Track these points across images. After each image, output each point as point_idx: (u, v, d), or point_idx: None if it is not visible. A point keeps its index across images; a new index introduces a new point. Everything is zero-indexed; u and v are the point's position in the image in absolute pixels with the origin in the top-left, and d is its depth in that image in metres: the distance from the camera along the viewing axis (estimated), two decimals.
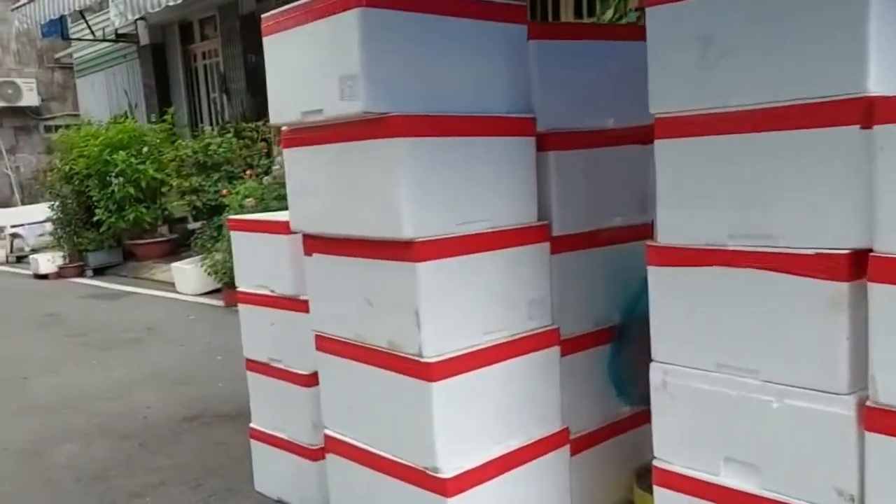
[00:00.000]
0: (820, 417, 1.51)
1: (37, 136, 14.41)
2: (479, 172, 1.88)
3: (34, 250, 10.33)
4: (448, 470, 1.81)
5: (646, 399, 2.16)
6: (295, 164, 2.06)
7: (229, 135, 8.07)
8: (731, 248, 1.62)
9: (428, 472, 1.83)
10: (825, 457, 1.51)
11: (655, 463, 1.82)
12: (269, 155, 8.06)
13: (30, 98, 14.04)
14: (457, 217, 1.83)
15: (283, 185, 6.19)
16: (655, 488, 1.83)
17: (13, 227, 11.20)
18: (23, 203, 13.10)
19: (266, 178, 6.60)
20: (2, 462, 3.53)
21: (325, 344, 2.10)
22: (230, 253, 6.26)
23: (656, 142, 1.73)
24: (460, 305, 1.84)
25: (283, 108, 2.00)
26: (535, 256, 1.98)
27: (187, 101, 11.24)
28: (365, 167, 1.80)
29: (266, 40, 2.02)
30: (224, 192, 6.98)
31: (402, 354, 1.83)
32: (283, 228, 2.54)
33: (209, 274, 6.96)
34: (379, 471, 1.96)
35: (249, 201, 6.09)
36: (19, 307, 7.54)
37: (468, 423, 1.86)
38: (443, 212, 1.80)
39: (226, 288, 6.65)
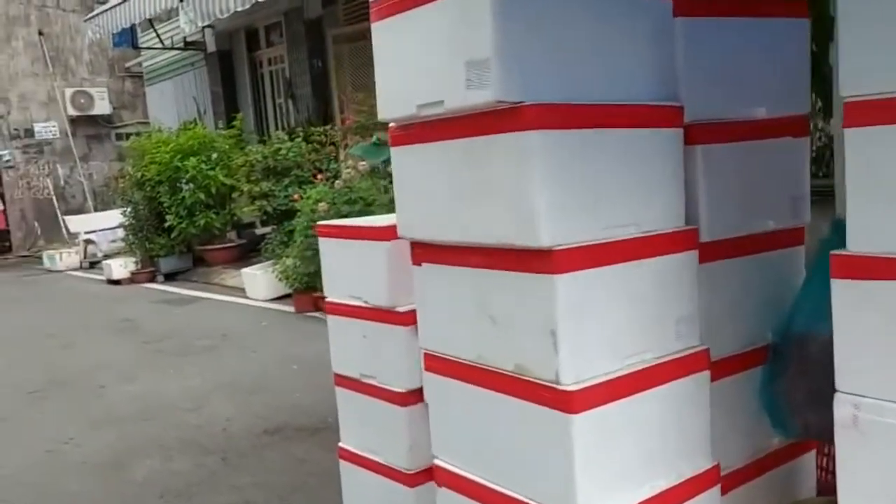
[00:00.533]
0: None
1: (108, 144, 14.72)
2: (623, 170, 1.62)
3: (107, 256, 10.48)
4: None
5: (806, 430, 1.88)
6: (405, 163, 1.83)
7: (299, 139, 7.97)
8: None
9: None
10: None
11: None
12: (336, 159, 7.95)
13: (102, 107, 14.36)
14: (599, 221, 1.57)
15: (352, 189, 6.11)
16: None
17: (87, 233, 11.39)
18: (95, 210, 13.37)
19: (337, 181, 6.46)
20: (83, 476, 3.42)
21: (437, 364, 1.87)
22: (301, 258, 6.27)
23: (848, 131, 1.44)
24: (603, 324, 1.58)
25: (395, 101, 1.77)
26: (684, 266, 1.71)
27: (253, 108, 11.31)
28: (492, 165, 1.56)
29: (375, 27, 1.80)
30: (296, 196, 6.87)
31: (533, 380, 1.59)
32: (379, 234, 2.33)
33: (280, 279, 6.86)
34: None
35: (322, 205, 5.95)
36: (94, 313, 7.59)
37: (611, 461, 1.60)
38: (584, 216, 1.55)
39: (296, 294, 6.54)
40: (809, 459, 2.17)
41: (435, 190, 1.72)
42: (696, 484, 1.74)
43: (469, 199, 1.64)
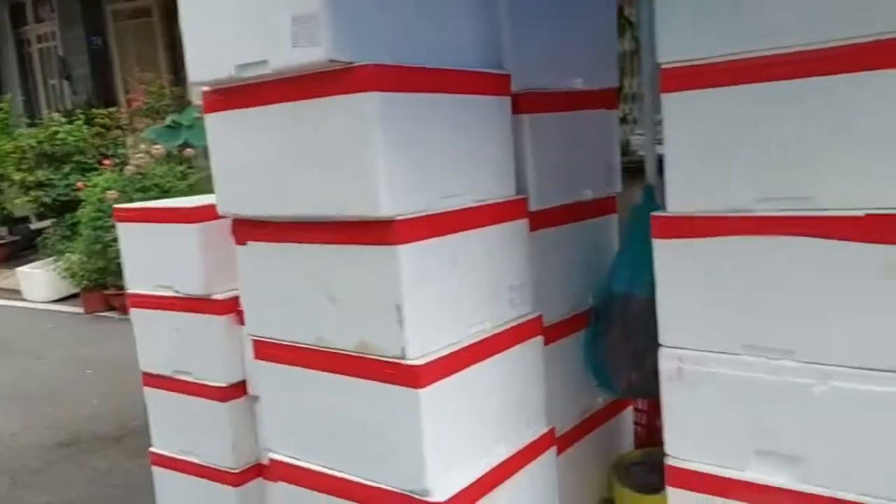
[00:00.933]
0: (873, 399, 1.35)
1: None
2: (457, 137, 1.59)
3: None
4: (439, 491, 1.52)
5: (630, 388, 1.98)
6: (223, 131, 1.67)
7: (79, 121, 7.23)
8: (761, 214, 1.43)
9: (416, 496, 1.53)
10: (879, 444, 1.36)
11: (669, 462, 1.62)
12: (125, 144, 7.33)
13: None
14: (437, 190, 1.53)
15: (146, 175, 5.65)
16: (670, 490, 1.62)
17: None
18: None
19: (127, 167, 5.94)
20: None
21: (269, 351, 1.74)
22: (89, 253, 5.71)
23: (665, 96, 1.51)
24: (444, 296, 1.55)
25: (208, 61, 1.60)
26: (516, 235, 1.72)
27: (22, 89, 10.18)
28: (325, 130, 1.46)
29: None
30: (79, 185, 6.21)
31: (378, 358, 1.52)
32: (188, 216, 2.15)
33: (63, 278, 6.21)
34: (347, 498, 1.64)
35: (111, 194, 5.44)
36: None
37: (457, 434, 1.58)
38: (423, 184, 1.50)
39: (85, 293, 5.96)
40: (627, 416, 2.30)
41: (260, 160, 1.59)
42: (535, 448, 1.77)
43: (300, 168, 1.52)
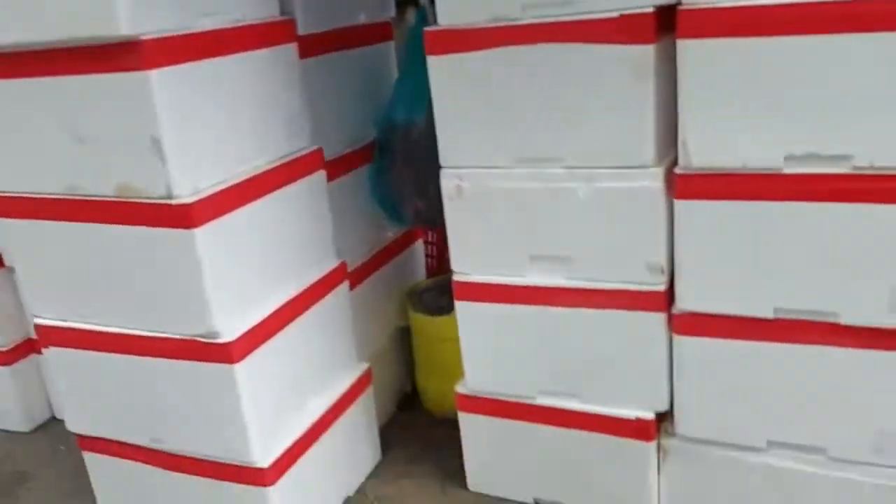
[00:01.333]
0: (628, 195, 1.46)
1: None
2: None
3: None
4: (227, 332, 1.47)
5: (417, 217, 2.00)
6: None
7: None
8: (524, 23, 1.43)
9: (203, 339, 1.47)
10: (635, 235, 1.48)
11: (456, 278, 1.68)
12: None
13: None
14: (189, 8, 1.37)
15: None
16: (458, 304, 1.70)
17: None
18: None
19: None
20: None
21: (15, 207, 1.54)
22: None
23: None
24: (208, 127, 1.43)
25: None
26: (284, 60, 1.61)
27: None
28: None
29: None
30: None
31: (142, 201, 1.39)
32: None
33: None
34: (126, 352, 1.55)
35: None
36: None
37: (239, 275, 1.51)
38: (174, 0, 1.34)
39: None
40: (418, 249, 2.35)
41: None
42: (326, 284, 1.75)
43: None
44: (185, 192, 1.38)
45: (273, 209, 1.59)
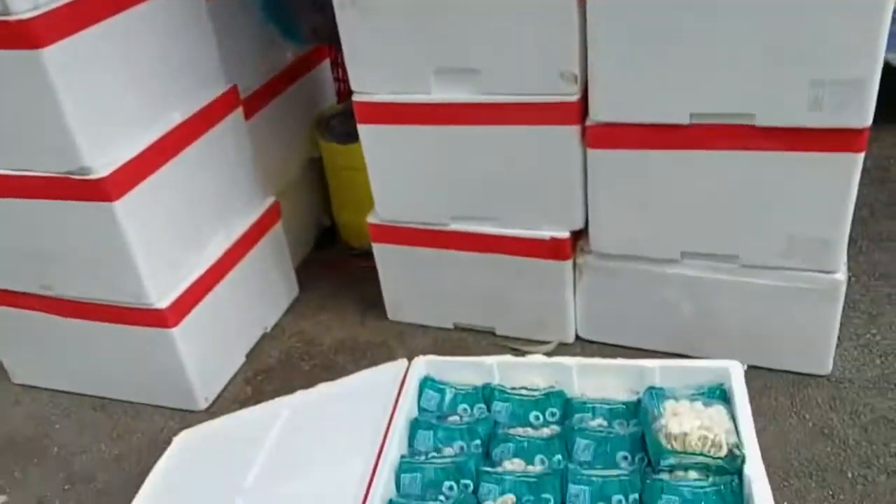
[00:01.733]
0: (541, 5, 1.32)
1: None
2: None
3: None
4: (99, 167, 1.33)
5: (315, 34, 1.83)
6: None
7: None
8: None
9: (75, 176, 1.33)
10: (546, 41, 1.35)
11: (356, 98, 1.55)
12: None
13: None
14: None
15: None
16: (361, 127, 1.57)
17: None
18: None
19: None
20: None
21: None
22: None
23: None
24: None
25: None
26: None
27: None
28: None
29: None
30: None
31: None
32: None
33: None
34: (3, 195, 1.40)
35: None
36: None
37: (110, 103, 1.35)
38: None
39: None
40: (324, 71, 2.17)
41: None
42: (214, 110, 1.60)
43: None
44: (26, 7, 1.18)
45: (143, 34, 1.39)
